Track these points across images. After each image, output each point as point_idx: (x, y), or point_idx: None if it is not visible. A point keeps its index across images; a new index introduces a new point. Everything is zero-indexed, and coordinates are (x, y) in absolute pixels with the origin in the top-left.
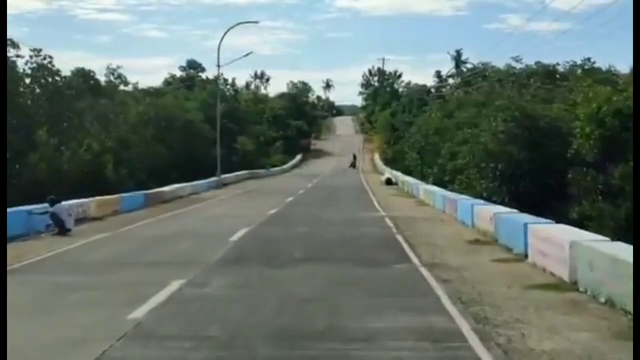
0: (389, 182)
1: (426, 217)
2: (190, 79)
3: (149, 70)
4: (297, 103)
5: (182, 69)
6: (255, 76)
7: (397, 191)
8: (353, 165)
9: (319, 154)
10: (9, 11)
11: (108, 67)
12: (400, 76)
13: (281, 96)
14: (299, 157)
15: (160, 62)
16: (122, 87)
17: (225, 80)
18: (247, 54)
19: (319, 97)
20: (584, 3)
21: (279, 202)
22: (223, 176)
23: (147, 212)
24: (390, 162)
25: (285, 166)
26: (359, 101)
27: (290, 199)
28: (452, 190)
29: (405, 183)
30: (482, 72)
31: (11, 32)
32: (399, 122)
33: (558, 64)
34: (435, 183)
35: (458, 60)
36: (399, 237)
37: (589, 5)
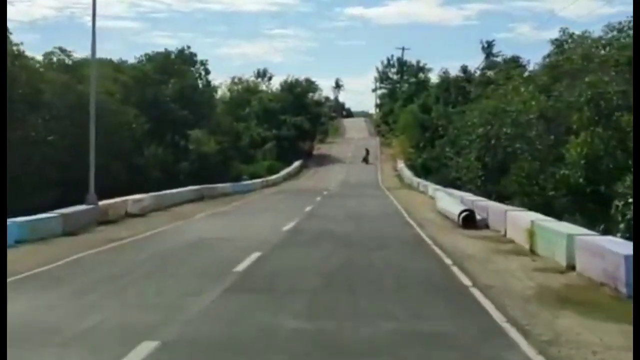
0: (470, 219)
1: None
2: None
3: None
4: (296, 94)
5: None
6: (258, 74)
7: (516, 256)
8: (365, 160)
9: (325, 160)
10: (20, 18)
11: None
12: (423, 67)
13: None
14: (296, 163)
15: None
16: None
17: (193, 55)
18: None
19: (327, 98)
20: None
21: None
22: (124, 199)
23: None
24: (422, 172)
25: (273, 177)
26: (371, 106)
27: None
28: None
29: (551, 239)
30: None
31: (23, 39)
32: (437, 115)
33: None
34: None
35: (489, 52)
36: None
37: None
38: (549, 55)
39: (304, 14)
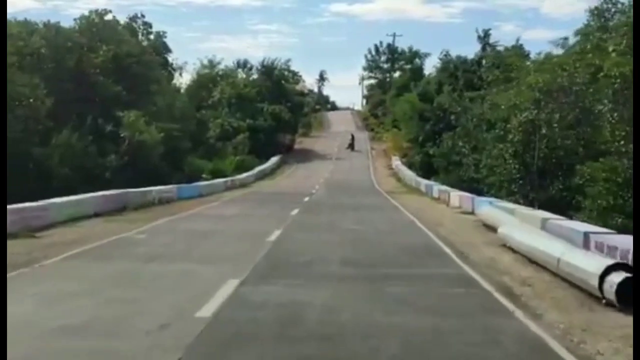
0: (630, 288)
1: None
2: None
3: None
4: (275, 80)
5: None
6: (238, 65)
7: None
8: (351, 146)
9: (307, 155)
10: None
11: None
12: (418, 52)
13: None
14: (274, 159)
15: None
16: None
17: (148, 26)
18: None
19: (311, 91)
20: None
21: None
22: None
23: None
24: (422, 171)
25: (242, 176)
26: (357, 102)
27: None
28: None
29: None
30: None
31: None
32: (448, 102)
33: None
34: None
35: (487, 41)
36: None
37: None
38: (587, 27)
39: (288, 9)
